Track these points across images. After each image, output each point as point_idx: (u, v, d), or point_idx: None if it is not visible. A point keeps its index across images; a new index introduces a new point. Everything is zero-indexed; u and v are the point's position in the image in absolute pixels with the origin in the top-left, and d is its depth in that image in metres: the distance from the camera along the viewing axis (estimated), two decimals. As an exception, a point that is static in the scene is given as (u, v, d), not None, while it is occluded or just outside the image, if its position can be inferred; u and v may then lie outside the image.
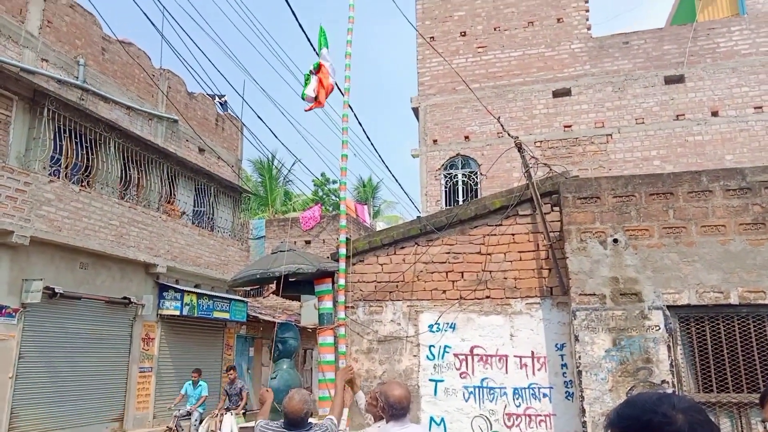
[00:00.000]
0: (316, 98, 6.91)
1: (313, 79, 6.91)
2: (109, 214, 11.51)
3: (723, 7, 13.26)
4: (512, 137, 6.11)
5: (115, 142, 12.16)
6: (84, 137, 11.44)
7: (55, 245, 10.42)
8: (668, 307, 5.05)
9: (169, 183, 14.02)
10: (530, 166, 6.06)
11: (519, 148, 6.03)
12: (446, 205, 13.02)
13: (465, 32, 13.84)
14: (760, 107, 11.76)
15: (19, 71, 10.10)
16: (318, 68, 6.89)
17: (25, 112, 10.39)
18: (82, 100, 11.59)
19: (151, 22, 9.45)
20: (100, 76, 12.20)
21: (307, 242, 21.58)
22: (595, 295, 5.23)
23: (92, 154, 11.67)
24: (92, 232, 11.07)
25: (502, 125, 8.10)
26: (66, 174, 11.08)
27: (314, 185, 34.02)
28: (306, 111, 7.02)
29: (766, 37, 12.12)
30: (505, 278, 6.14)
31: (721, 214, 4.95)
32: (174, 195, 14.31)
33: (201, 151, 15.47)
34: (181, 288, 13.23)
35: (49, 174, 10.57)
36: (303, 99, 6.95)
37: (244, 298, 15.73)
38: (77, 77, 11.55)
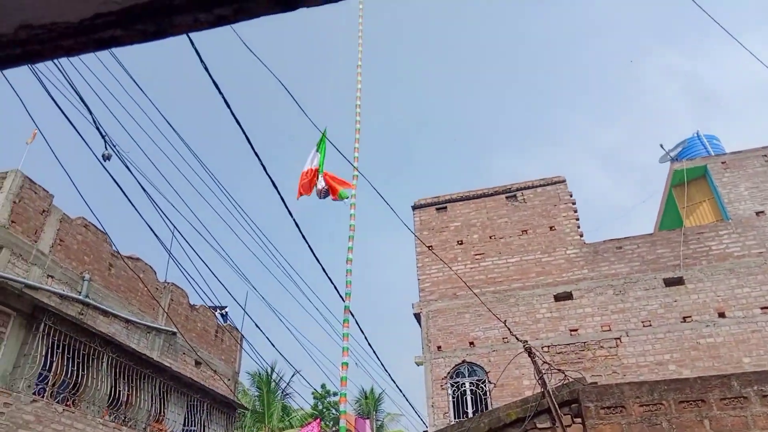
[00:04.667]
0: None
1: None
2: (90, 436, 10.62)
3: (706, 214, 13.94)
4: (521, 341, 5.85)
5: (109, 357, 11.76)
6: (77, 352, 11.08)
7: (24, 474, 9.41)
8: None
9: (160, 399, 13.25)
10: (543, 372, 5.70)
11: (529, 352, 5.74)
12: (455, 417, 12.12)
13: (462, 241, 14.33)
14: (767, 308, 11.63)
15: (22, 287, 10.17)
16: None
17: (21, 328, 10.21)
18: (82, 314, 11.50)
19: (160, 241, 9.81)
20: (103, 290, 12.29)
21: (305, 464, 19.71)
22: None
23: (83, 370, 11.19)
24: (69, 458, 10.09)
25: (509, 329, 7.87)
26: (51, 392, 10.48)
27: (314, 398, 32.35)
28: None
29: (754, 240, 12.50)
30: (530, 506, 5.36)
31: (763, 424, 4.48)
32: (163, 413, 13.41)
33: (197, 364, 14.94)
34: None
35: (34, 392, 10.00)
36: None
37: None
38: (80, 292, 11.61)
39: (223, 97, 5.39)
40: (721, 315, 11.79)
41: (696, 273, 12.36)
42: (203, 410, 14.72)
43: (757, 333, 11.45)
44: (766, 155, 13.67)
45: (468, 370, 12.83)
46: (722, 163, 13.83)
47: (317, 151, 8.90)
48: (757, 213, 12.86)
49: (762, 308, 11.64)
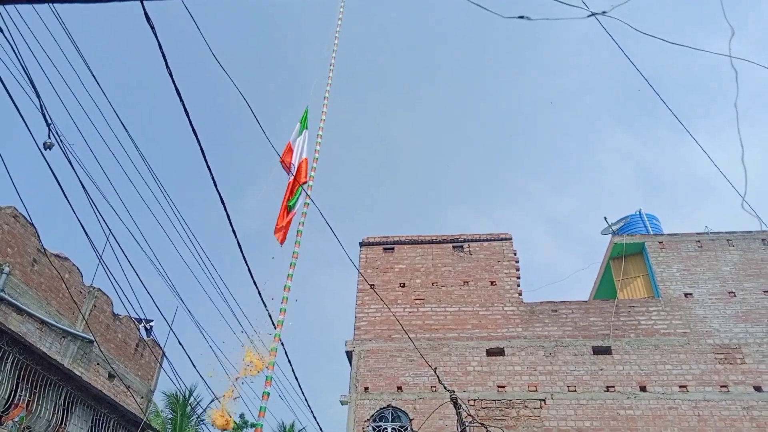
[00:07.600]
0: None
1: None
2: (-22, 441, 9.79)
3: (639, 289, 14.46)
4: (448, 390, 5.80)
5: (15, 358, 10.98)
6: (-20, 348, 10.30)
7: None
8: None
9: (64, 410, 12.39)
10: (466, 424, 5.65)
11: (455, 403, 5.69)
12: (372, 464, 11.82)
13: (404, 284, 14.31)
14: (685, 386, 12.02)
15: (-68, 270, 9.47)
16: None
17: None
18: (-7, 307, 10.77)
19: (91, 242, 9.22)
20: (22, 286, 11.57)
21: (210, 497, 18.74)
22: None
23: (-17, 368, 10.39)
24: (-51, 463, 9.23)
25: (438, 377, 7.81)
26: (-57, 388, 9.66)
27: (232, 429, 30.92)
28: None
29: (679, 320, 13.01)
30: None
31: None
32: (65, 425, 12.54)
33: (111, 377, 14.14)
34: None
35: None
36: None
37: None
38: (-4, 284, 10.89)
39: (180, 98, 5.26)
40: (642, 389, 12.10)
41: (623, 345, 12.70)
42: (109, 426, 13.84)
43: (674, 410, 11.78)
44: (699, 241, 14.38)
45: (392, 414, 12.62)
46: (659, 242, 14.46)
47: (301, 126, 9.13)
48: (686, 294, 13.43)
49: (680, 386, 12.03)
